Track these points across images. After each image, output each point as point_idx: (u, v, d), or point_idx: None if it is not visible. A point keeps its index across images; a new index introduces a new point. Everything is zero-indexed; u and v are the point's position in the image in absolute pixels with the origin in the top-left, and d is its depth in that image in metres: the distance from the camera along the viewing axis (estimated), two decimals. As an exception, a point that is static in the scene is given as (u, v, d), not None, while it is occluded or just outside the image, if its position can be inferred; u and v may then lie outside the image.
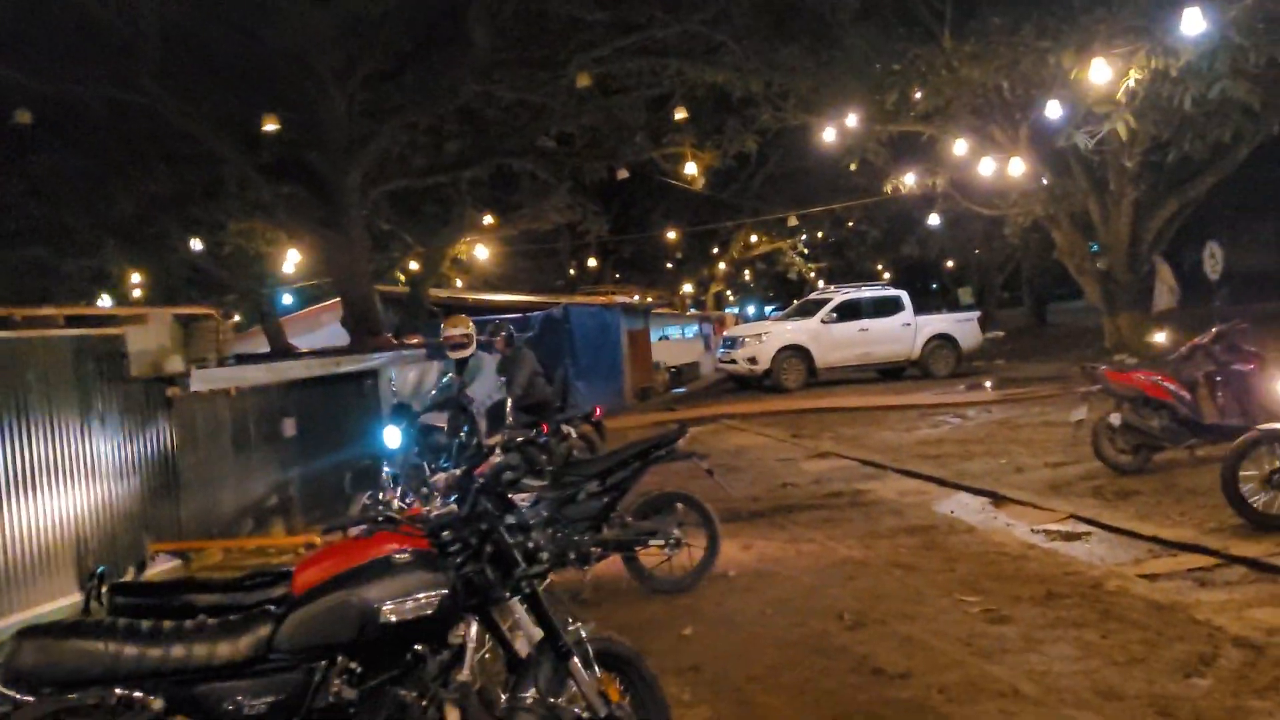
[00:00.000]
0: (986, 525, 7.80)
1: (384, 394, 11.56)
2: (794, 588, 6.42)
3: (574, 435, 10.56)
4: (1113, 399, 9.14)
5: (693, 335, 31.80)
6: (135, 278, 19.08)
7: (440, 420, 8.42)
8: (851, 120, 15.85)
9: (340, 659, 3.18)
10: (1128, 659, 4.65)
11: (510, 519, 3.54)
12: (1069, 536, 7.19)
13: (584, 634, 3.55)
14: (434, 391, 9.46)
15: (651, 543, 6.55)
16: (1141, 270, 17.90)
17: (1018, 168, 14.06)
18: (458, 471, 4.33)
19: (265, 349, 17.81)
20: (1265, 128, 12.76)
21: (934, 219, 22.66)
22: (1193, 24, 7.87)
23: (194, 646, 3.06)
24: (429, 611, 3.22)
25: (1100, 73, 8.53)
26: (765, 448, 13.38)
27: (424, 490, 4.72)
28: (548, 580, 3.57)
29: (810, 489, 9.98)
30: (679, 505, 6.73)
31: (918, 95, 15.12)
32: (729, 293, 44.82)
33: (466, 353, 8.59)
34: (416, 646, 3.23)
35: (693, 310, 37.23)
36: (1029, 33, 11.54)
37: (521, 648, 3.51)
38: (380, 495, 6.22)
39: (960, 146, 14.64)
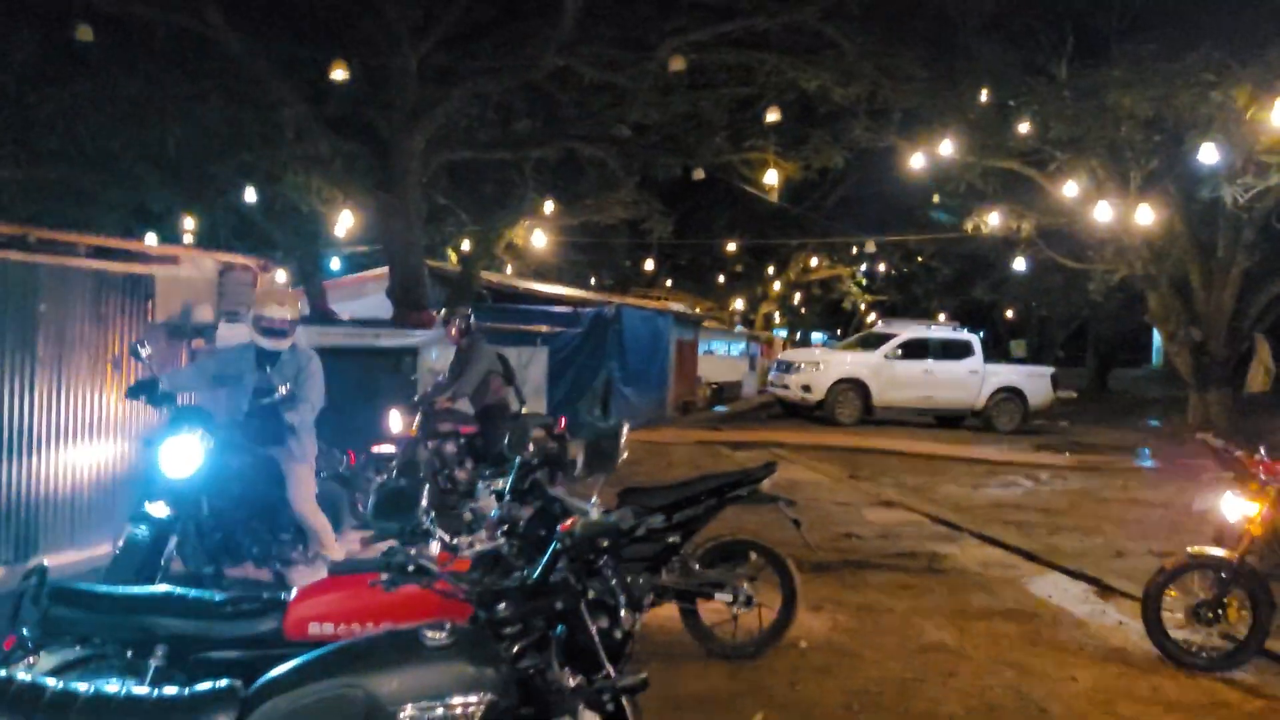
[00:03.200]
0: (1096, 620, 6.69)
1: (421, 376, 10.63)
2: (881, 676, 5.35)
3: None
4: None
5: (739, 353, 30.71)
6: (188, 222, 18.26)
7: None
8: (947, 148, 14.75)
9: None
10: None
11: (593, 593, 2.50)
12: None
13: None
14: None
15: (718, 596, 5.51)
16: (1240, 347, 16.63)
17: (1146, 216, 12.80)
18: (522, 508, 3.32)
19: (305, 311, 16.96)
20: None
21: (1020, 264, 21.38)
22: None
23: None
24: None
25: (1282, 116, 7.39)
26: (820, 486, 12.29)
27: (465, 515, 3.56)
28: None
29: (878, 544, 8.90)
30: (752, 554, 5.71)
31: (1025, 127, 13.92)
32: (777, 314, 43.55)
33: (284, 343, 5.78)
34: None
35: (741, 328, 36.07)
36: (1193, 63, 10.29)
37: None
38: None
39: (1070, 188, 13.43)
